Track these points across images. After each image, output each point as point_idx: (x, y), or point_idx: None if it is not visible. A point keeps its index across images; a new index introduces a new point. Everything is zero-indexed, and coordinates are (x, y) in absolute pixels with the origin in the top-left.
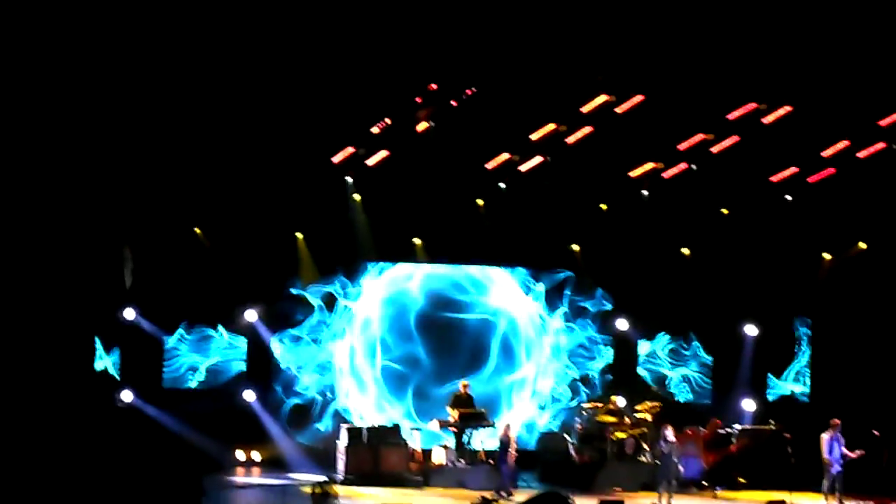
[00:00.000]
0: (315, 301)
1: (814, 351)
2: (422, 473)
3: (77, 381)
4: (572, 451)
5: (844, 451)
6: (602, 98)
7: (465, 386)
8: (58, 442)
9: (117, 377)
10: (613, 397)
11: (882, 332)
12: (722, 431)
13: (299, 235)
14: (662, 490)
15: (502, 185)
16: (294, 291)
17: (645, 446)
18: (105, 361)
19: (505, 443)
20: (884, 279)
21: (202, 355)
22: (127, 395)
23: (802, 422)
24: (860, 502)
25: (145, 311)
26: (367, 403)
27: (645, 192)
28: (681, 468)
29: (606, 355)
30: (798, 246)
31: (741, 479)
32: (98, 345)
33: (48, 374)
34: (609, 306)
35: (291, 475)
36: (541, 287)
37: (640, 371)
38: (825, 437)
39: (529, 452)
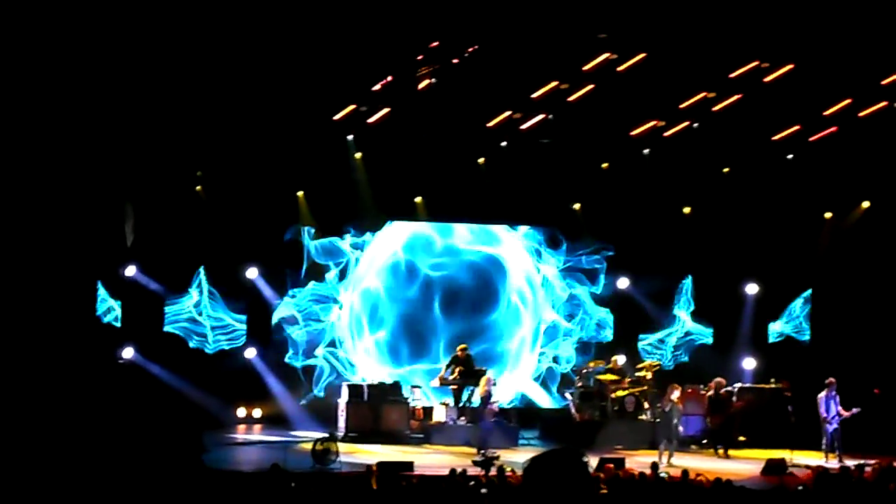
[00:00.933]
0: (315, 258)
1: (814, 306)
2: (422, 431)
3: (79, 336)
4: (573, 410)
5: (840, 409)
6: (604, 56)
7: (462, 350)
8: (61, 397)
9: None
10: (614, 356)
11: (883, 291)
12: (725, 392)
13: (300, 193)
14: (663, 448)
15: (504, 143)
16: (294, 248)
17: (645, 405)
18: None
19: (484, 398)
20: (885, 238)
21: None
22: (128, 352)
23: (802, 378)
24: (861, 460)
25: (146, 267)
26: (368, 361)
27: (646, 151)
28: (681, 427)
29: (607, 314)
30: (800, 205)
31: (741, 438)
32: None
33: (51, 329)
34: (608, 265)
35: (292, 432)
36: (542, 245)
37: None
38: (821, 396)
39: (530, 409)
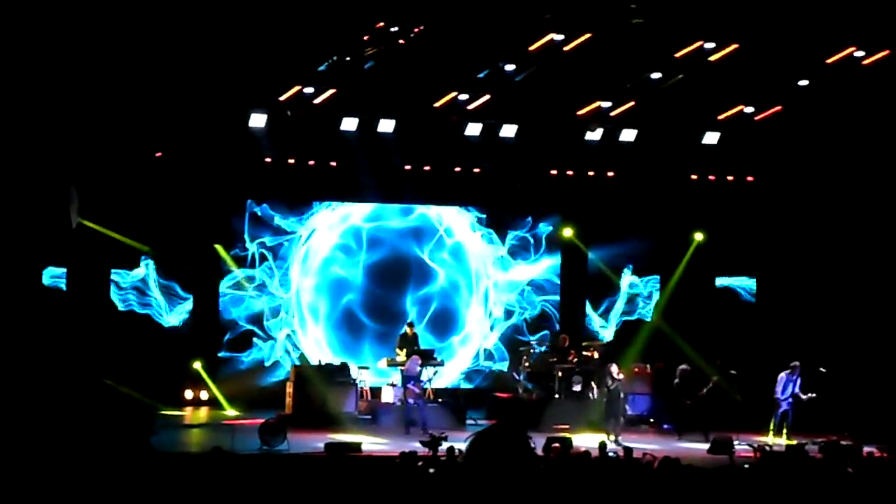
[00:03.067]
0: (263, 238)
1: (761, 287)
2: (370, 412)
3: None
4: (520, 390)
5: (797, 392)
6: (549, 37)
7: (410, 326)
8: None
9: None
10: (561, 335)
11: (833, 272)
12: (696, 375)
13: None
14: (609, 428)
15: (450, 123)
16: (241, 228)
17: (592, 384)
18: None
19: (406, 378)
20: (831, 219)
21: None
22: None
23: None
24: (806, 439)
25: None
26: (315, 342)
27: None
28: (626, 406)
29: (554, 292)
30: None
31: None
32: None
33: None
34: (553, 242)
35: (240, 413)
36: (490, 226)
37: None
38: (781, 375)
39: (477, 390)
